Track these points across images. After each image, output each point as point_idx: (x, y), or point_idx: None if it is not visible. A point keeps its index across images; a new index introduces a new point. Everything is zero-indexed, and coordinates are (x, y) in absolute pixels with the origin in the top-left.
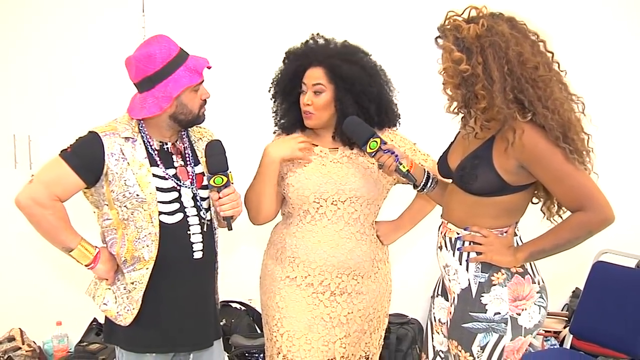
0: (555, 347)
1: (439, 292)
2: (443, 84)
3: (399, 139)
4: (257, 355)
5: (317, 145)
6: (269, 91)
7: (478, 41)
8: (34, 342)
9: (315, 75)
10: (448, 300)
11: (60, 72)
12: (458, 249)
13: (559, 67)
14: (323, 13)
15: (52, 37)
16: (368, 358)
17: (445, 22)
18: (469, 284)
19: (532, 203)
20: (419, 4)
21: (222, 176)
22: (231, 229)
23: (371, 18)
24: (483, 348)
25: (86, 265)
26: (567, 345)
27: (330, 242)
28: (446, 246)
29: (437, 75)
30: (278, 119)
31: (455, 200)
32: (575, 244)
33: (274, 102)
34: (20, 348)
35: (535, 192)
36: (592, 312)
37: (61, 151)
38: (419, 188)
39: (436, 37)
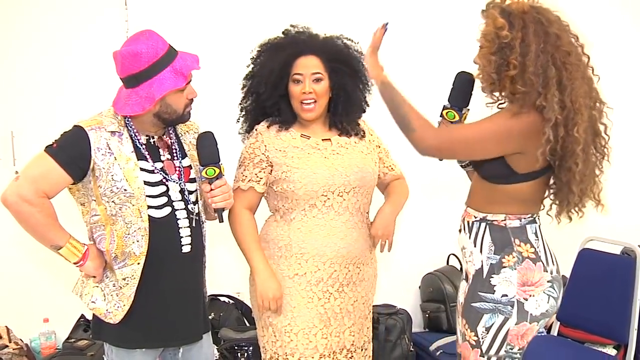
0: (542, 334)
1: (463, 277)
2: (480, 47)
3: (377, 140)
4: (246, 348)
5: (309, 138)
6: (246, 88)
7: (523, 15)
8: (20, 339)
9: (312, 64)
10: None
11: (42, 67)
12: None
13: (592, 72)
14: (310, 7)
15: (33, 32)
16: (369, 342)
17: None
18: (482, 265)
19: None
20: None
21: (214, 168)
22: (222, 221)
23: (357, 18)
24: (488, 329)
25: (75, 263)
26: (554, 332)
27: (339, 234)
28: (464, 229)
29: (425, 76)
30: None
31: (475, 186)
32: (393, 113)
33: (254, 99)
34: (7, 346)
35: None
36: (579, 299)
37: (46, 147)
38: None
39: (483, 10)
